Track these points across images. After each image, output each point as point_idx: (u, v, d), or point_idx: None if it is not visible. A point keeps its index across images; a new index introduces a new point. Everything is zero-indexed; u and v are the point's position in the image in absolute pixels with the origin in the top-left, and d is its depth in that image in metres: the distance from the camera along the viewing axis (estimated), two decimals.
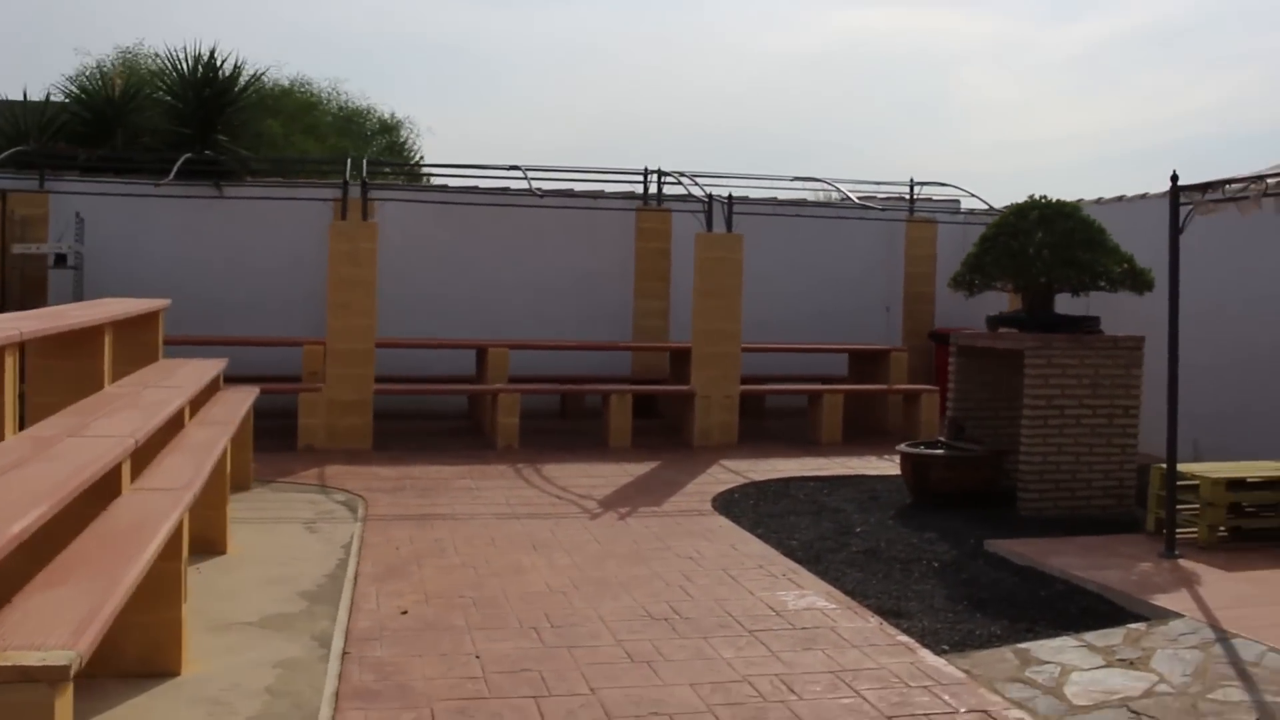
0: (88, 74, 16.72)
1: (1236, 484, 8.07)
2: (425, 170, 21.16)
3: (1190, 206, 7.25)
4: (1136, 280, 9.01)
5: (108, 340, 7.46)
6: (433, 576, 7.10)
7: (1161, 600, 6.46)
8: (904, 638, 6.00)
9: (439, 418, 14.35)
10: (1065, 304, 9.80)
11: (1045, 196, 9.38)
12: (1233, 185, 6.91)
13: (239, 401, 9.04)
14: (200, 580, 6.96)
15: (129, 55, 18.28)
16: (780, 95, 46.12)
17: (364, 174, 12.89)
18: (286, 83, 21.90)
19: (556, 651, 5.69)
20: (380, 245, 14.32)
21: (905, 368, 14.15)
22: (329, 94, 23.25)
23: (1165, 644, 5.76)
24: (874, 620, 6.30)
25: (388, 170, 20.20)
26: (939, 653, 5.76)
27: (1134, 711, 4.94)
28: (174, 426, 7.38)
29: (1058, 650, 5.76)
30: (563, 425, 14.06)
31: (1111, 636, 5.95)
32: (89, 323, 7.35)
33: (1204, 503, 7.91)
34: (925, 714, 4.95)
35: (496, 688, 5.17)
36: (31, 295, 13.38)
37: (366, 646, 5.73)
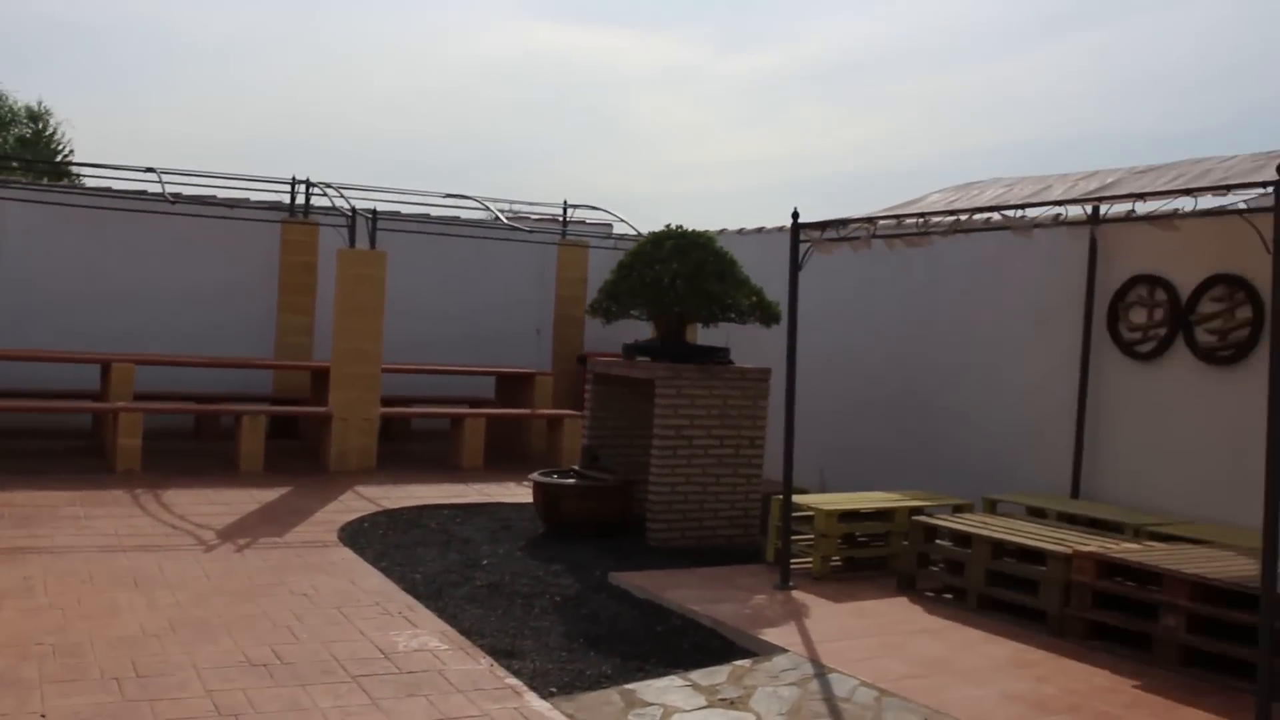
0: None
1: (849, 515, 8.41)
2: (65, 167, 19.64)
3: (809, 244, 7.50)
4: (764, 312, 9.29)
5: None
6: (11, 620, 6.40)
7: (769, 635, 6.59)
8: (513, 680, 5.84)
9: (61, 436, 13.26)
10: (717, 336, 10.04)
11: (681, 226, 9.54)
12: (850, 225, 7.19)
13: None
14: None
15: None
16: (456, 102, 45.79)
17: None
18: None
19: (137, 706, 5.19)
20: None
21: (550, 392, 14.15)
22: None
23: (766, 681, 5.86)
24: (485, 662, 6.12)
25: (15, 165, 18.62)
26: (546, 696, 5.64)
27: None
28: None
29: (663, 691, 5.75)
30: (195, 447, 13.26)
31: (717, 675, 6.00)
32: None
33: (818, 534, 8.20)
34: None
35: None
36: None
37: None
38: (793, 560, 8.21)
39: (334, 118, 44.27)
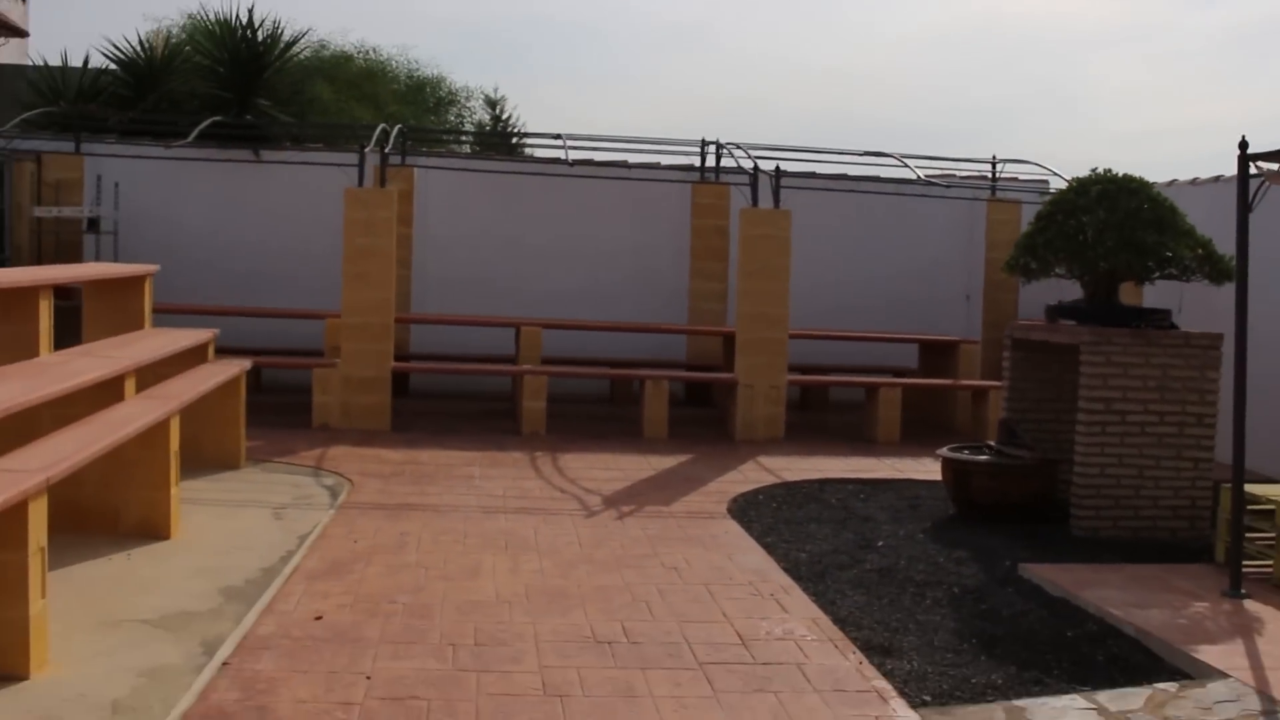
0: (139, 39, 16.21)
1: None
2: (471, 138, 20.44)
3: (1263, 178, 6.11)
4: (1213, 267, 7.83)
5: (43, 305, 6.85)
6: (374, 576, 6.34)
7: (1206, 653, 5.38)
8: (881, 682, 5.04)
9: (481, 399, 13.62)
10: (1169, 300, 8.61)
11: (1110, 170, 8.23)
12: None
13: (213, 375, 8.39)
14: (122, 568, 6.35)
15: (196, 20, 17.82)
16: (898, 77, 44.37)
17: (389, 141, 12.22)
18: (350, 50, 21.34)
19: (463, 676, 4.87)
20: (422, 218, 13.78)
21: (977, 361, 13.00)
22: (397, 62, 22.60)
23: (1195, 713, 4.72)
24: (854, 658, 5.34)
25: (441, 137, 19.49)
26: (916, 705, 4.80)
27: None
28: (107, 397, 6.76)
29: (1059, 713, 4.75)
30: (607, 412, 13.20)
31: (1131, 699, 4.91)
32: (21, 284, 6.76)
33: None
34: None
35: (368, 719, 4.38)
36: (65, 260, 12.99)
37: (253, 657, 5.00)
38: (1251, 563, 6.83)
39: (765, 101, 44.00)
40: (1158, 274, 8.08)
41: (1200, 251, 7.84)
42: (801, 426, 12.36)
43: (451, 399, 13.52)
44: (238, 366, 9.00)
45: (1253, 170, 6.26)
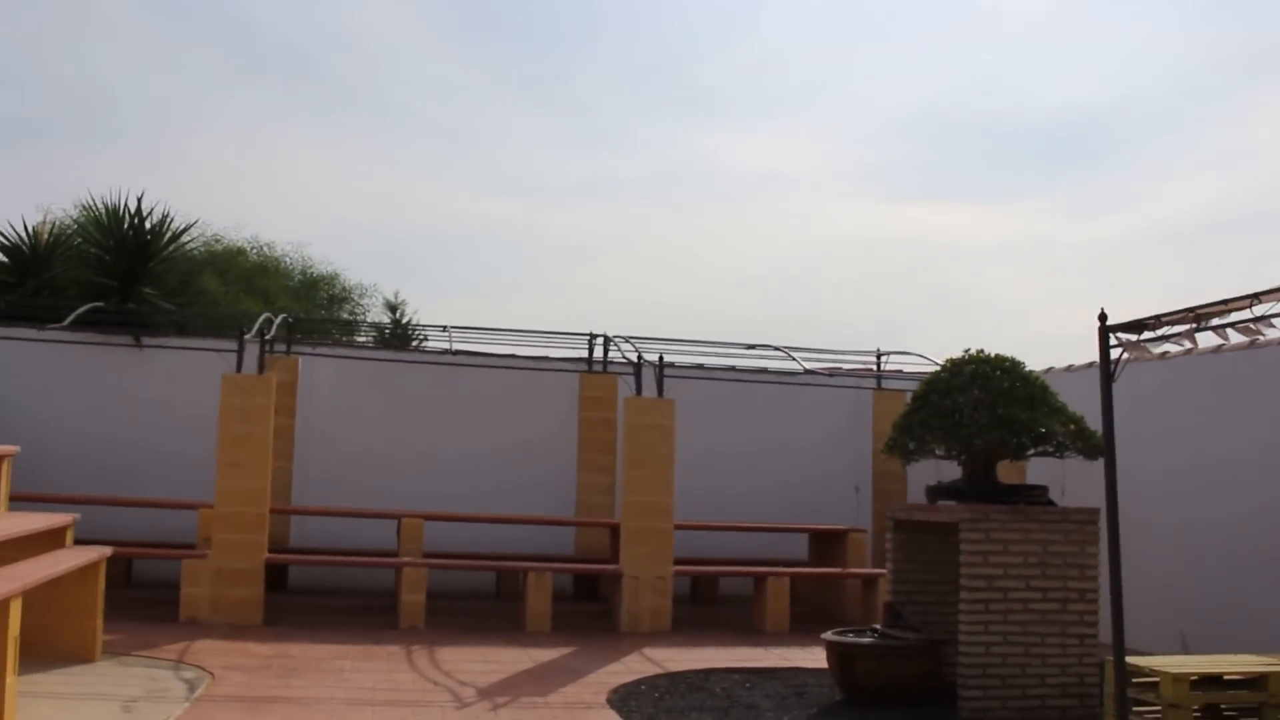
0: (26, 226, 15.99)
1: (1207, 681, 6.82)
2: (361, 333, 20.43)
3: (1121, 348, 6.21)
4: (1085, 442, 7.91)
5: None
6: None
7: None
8: None
9: (362, 595, 13.15)
10: (1051, 479, 8.68)
11: (982, 350, 8.37)
12: (1167, 318, 5.89)
13: (66, 560, 7.97)
14: None
15: (85, 209, 17.66)
16: (799, 283, 45.38)
17: (272, 328, 12.10)
18: (244, 244, 21.39)
19: None
20: (305, 409, 13.56)
21: (867, 550, 12.94)
22: (290, 258, 22.67)
23: None
24: None
25: (329, 329, 19.43)
26: None
27: None
28: None
29: None
30: (492, 607, 12.79)
31: None
32: None
33: (1166, 704, 6.66)
34: None
35: None
36: None
37: None
38: None
39: (663, 305, 44.69)
40: (1032, 450, 8.14)
41: (1073, 427, 7.94)
42: (690, 619, 12.10)
43: (331, 595, 13.05)
44: (95, 553, 8.58)
45: (1113, 341, 6.36)
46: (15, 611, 6.61)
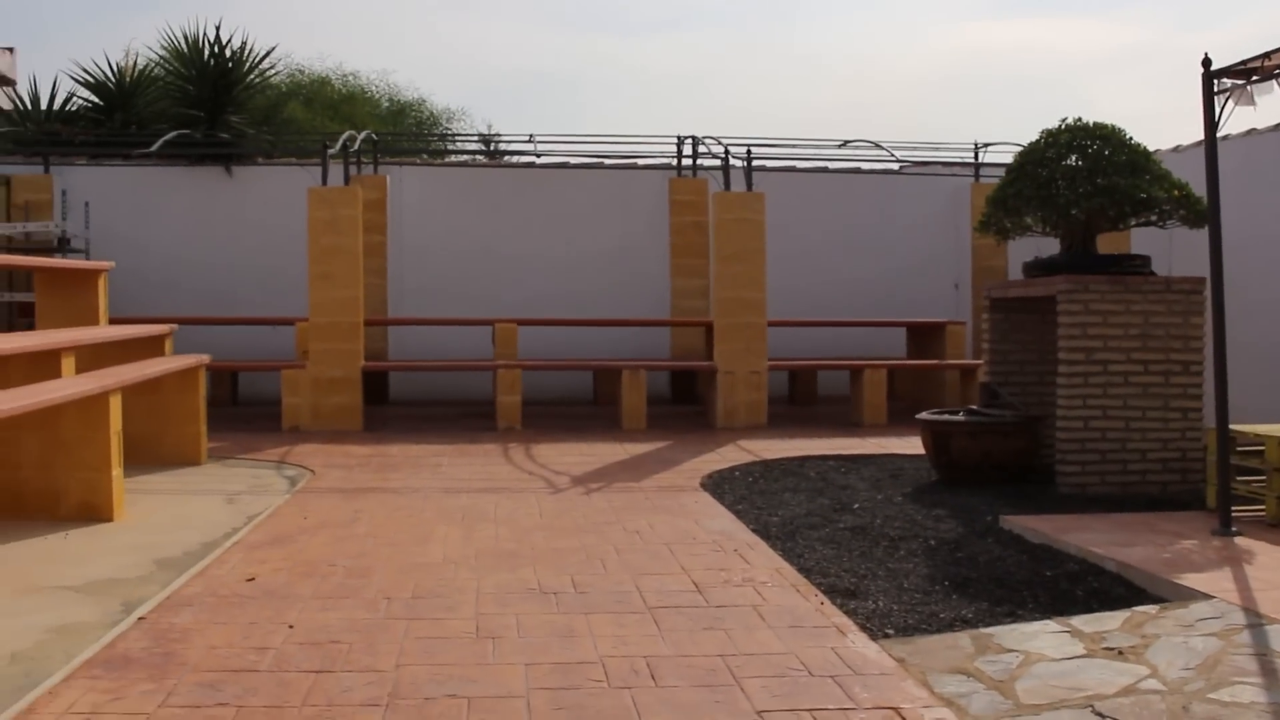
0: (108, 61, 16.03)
1: None
2: (447, 144, 20.28)
3: (1226, 94, 5.82)
4: (1191, 209, 7.53)
5: None
6: (318, 545, 6.04)
7: (1191, 580, 5.06)
8: (841, 618, 4.71)
9: (461, 404, 13.33)
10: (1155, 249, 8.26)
11: (1080, 119, 7.94)
12: (1273, 59, 5.49)
13: (165, 364, 8.12)
14: (56, 545, 6.08)
15: (166, 41, 17.60)
16: (900, 112, 43.90)
17: (356, 143, 12.03)
18: (329, 74, 21.23)
19: (391, 624, 4.56)
20: (396, 225, 13.57)
21: (965, 342, 12.71)
22: (376, 86, 22.46)
23: (1175, 630, 4.39)
24: (815, 600, 5.02)
25: (414, 144, 19.31)
26: (878, 637, 4.48)
27: (1098, 714, 3.61)
28: (42, 373, 6.52)
29: (1029, 636, 4.43)
30: (591, 411, 12.88)
31: (1107, 621, 4.59)
32: None
33: (1271, 469, 6.43)
34: (814, 709, 3.69)
35: (282, 661, 4.08)
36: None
37: (173, 612, 4.71)
38: (1243, 508, 6.52)
39: (757, 111, 43.51)
40: (1134, 219, 7.79)
41: (1177, 193, 7.55)
42: (788, 417, 12.06)
43: (431, 405, 13.25)
44: (194, 359, 8.74)
45: (1217, 88, 5.98)
46: (116, 406, 6.77)
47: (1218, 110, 5.97)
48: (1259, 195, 9.85)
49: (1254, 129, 10.25)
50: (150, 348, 8.67)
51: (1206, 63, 6.00)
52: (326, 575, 5.37)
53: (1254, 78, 5.81)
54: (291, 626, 4.50)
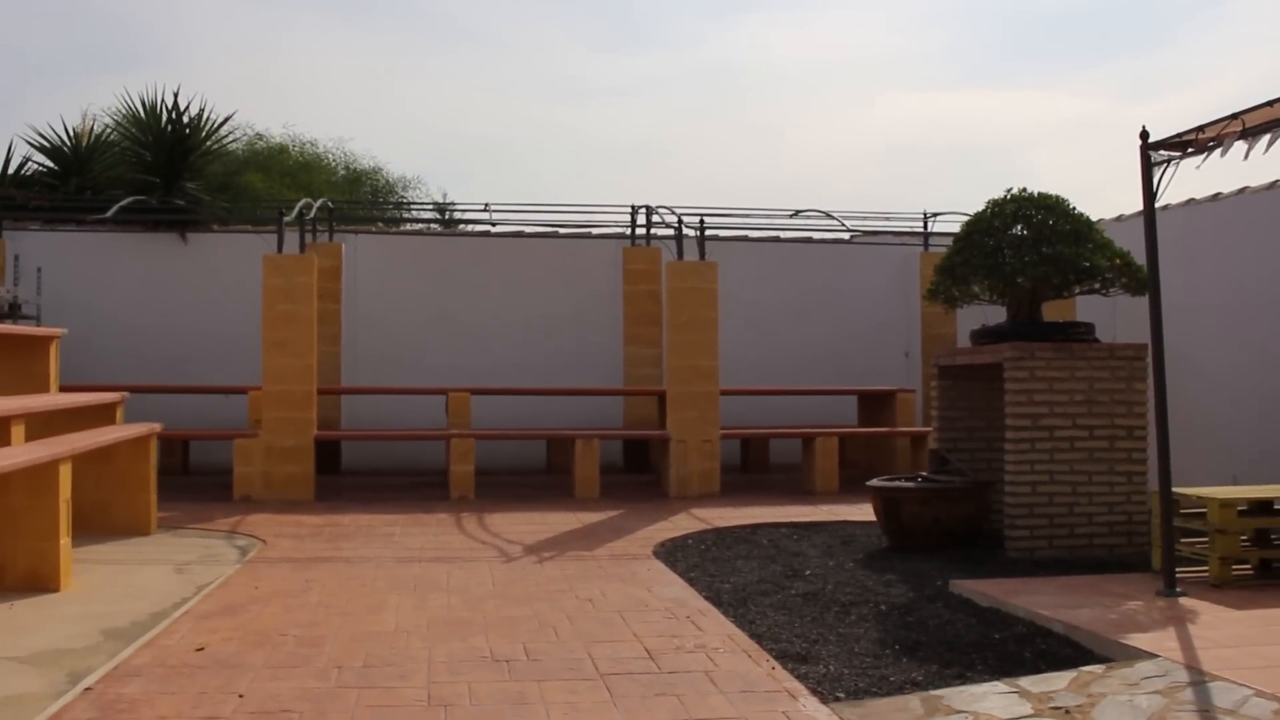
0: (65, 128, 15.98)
1: (1258, 508, 6.71)
2: (403, 213, 20.39)
3: (1164, 164, 6.01)
4: (1132, 277, 7.72)
5: None
6: (269, 615, 5.99)
7: (1137, 640, 5.13)
8: (793, 683, 4.74)
9: (414, 474, 13.28)
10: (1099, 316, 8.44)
11: (1025, 189, 8.15)
12: (1211, 128, 5.68)
13: (115, 433, 8.07)
14: (1, 616, 5.97)
15: (123, 106, 17.61)
16: (851, 181, 44.48)
17: (312, 211, 12.07)
18: (286, 142, 21.33)
19: (342, 692, 4.54)
20: (351, 293, 13.59)
21: (915, 410, 12.84)
22: (333, 154, 22.57)
23: (1121, 689, 4.45)
24: (767, 665, 5.05)
25: (369, 213, 19.39)
26: (829, 701, 4.51)
27: None
28: None
29: (978, 697, 4.47)
30: (541, 481, 12.87)
31: (1054, 681, 4.65)
32: None
33: (1213, 530, 6.55)
34: None
35: None
36: None
37: (121, 683, 4.66)
38: (1187, 569, 6.63)
39: (707, 181, 43.98)
40: (1078, 287, 7.97)
41: (1118, 261, 7.74)
42: (740, 485, 12.13)
43: (384, 475, 13.19)
44: (145, 427, 8.68)
45: (1154, 159, 6.16)
46: (65, 474, 6.72)
47: (1155, 180, 6.15)
48: (1198, 263, 10.09)
49: (1192, 199, 10.51)
50: (101, 416, 8.62)
51: (1144, 135, 6.20)
52: (278, 644, 5.33)
53: (1189, 150, 6.00)
54: (242, 696, 4.47)
